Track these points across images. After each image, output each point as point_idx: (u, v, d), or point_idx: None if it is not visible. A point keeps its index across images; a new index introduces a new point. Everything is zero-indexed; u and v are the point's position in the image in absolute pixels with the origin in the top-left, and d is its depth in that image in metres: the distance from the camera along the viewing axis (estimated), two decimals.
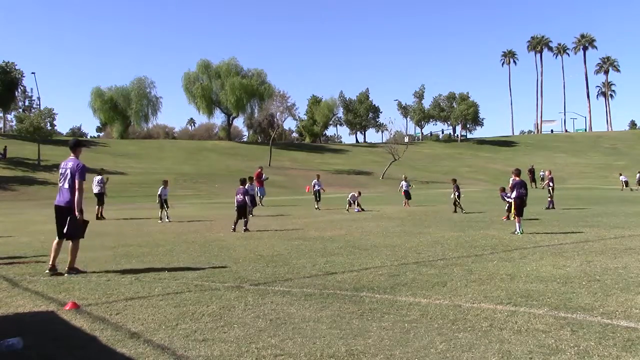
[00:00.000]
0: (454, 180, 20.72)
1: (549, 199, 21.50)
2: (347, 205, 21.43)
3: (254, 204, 17.80)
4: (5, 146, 50.14)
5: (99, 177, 20.58)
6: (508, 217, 16.03)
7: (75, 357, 4.39)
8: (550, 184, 22.23)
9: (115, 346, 4.58)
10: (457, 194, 19.82)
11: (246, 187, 14.53)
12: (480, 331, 4.89)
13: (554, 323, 5.10)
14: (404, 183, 24.80)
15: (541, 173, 45.46)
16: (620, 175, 45.03)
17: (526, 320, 5.22)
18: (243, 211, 14.13)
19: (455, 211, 19.50)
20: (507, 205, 16.26)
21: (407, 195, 24.42)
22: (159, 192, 17.90)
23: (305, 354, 4.32)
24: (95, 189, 20.23)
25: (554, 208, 20.81)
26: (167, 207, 17.85)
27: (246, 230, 13.90)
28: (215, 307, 5.90)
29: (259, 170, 25.99)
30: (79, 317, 5.55)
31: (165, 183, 18.50)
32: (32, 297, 6.56)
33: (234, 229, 14.04)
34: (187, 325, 5.20)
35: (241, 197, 14.11)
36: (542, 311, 5.54)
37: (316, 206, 22.98)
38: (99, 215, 19.22)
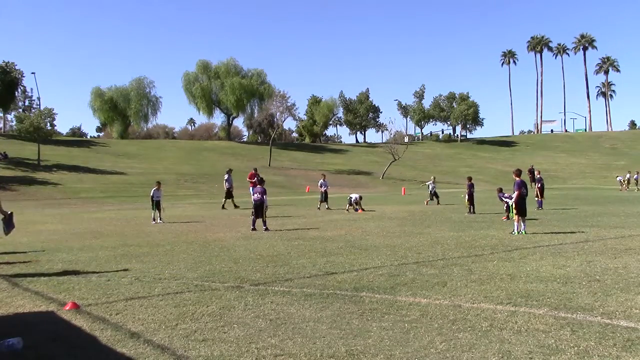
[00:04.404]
0: (469, 179, 20.29)
1: (539, 199, 21.41)
2: (348, 205, 21.44)
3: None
4: (5, 152, 49.81)
5: (226, 176, 24.56)
6: (508, 217, 16.02)
7: (75, 357, 4.39)
8: (539, 184, 22.03)
9: (115, 346, 4.59)
10: (468, 192, 19.39)
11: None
12: (480, 331, 4.89)
13: (554, 323, 5.10)
14: (431, 184, 24.66)
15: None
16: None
17: (526, 320, 5.22)
18: (259, 210, 14.27)
19: (470, 212, 18.96)
20: (506, 205, 16.23)
21: (434, 195, 24.28)
22: (150, 194, 17.82)
23: (305, 354, 4.32)
24: (226, 185, 24.42)
25: (542, 208, 20.66)
26: (159, 209, 17.54)
27: (266, 229, 14.00)
28: (215, 307, 5.90)
29: (253, 171, 25.90)
30: (79, 317, 5.55)
31: (158, 184, 18.22)
32: (32, 297, 6.56)
33: (254, 229, 14.14)
34: (187, 325, 5.20)
35: (258, 196, 14.30)
36: (542, 311, 5.54)
37: (326, 206, 22.85)
38: (225, 206, 23.87)
